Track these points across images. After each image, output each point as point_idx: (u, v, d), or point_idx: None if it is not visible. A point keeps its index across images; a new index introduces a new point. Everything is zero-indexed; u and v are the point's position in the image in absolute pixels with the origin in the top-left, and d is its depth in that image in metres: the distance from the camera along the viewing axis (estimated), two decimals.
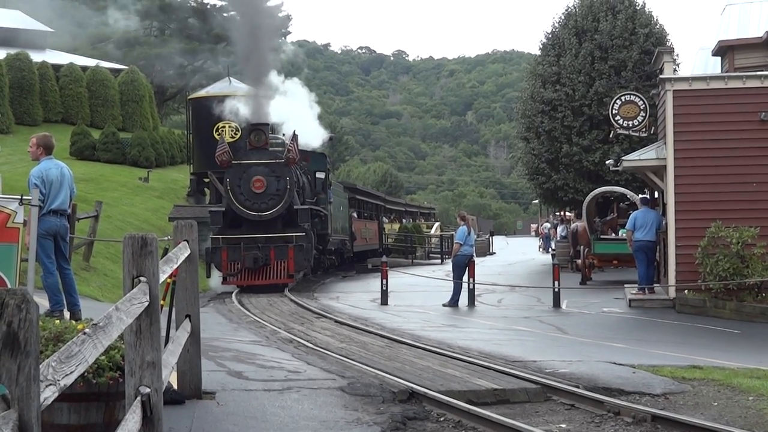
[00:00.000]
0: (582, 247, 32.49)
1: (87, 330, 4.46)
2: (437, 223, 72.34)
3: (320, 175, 35.90)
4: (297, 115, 36.75)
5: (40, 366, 3.49)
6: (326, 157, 38.55)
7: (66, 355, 3.97)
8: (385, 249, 50.07)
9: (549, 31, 42.37)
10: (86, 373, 6.78)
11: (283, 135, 33.21)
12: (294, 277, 29.81)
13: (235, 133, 38.37)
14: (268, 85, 32.23)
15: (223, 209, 30.31)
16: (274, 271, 29.14)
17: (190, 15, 76.67)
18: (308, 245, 30.38)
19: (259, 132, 30.17)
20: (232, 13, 33.92)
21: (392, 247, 53.42)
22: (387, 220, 52.03)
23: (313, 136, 37.91)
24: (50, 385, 3.63)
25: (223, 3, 74.70)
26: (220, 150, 29.63)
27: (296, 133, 31.19)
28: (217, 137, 36.16)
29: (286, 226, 29.81)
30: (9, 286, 6.60)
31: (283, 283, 28.85)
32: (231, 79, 41.64)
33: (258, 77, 31.34)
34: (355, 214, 45.07)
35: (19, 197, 6.95)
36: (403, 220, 63.76)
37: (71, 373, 3.94)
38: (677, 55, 39.95)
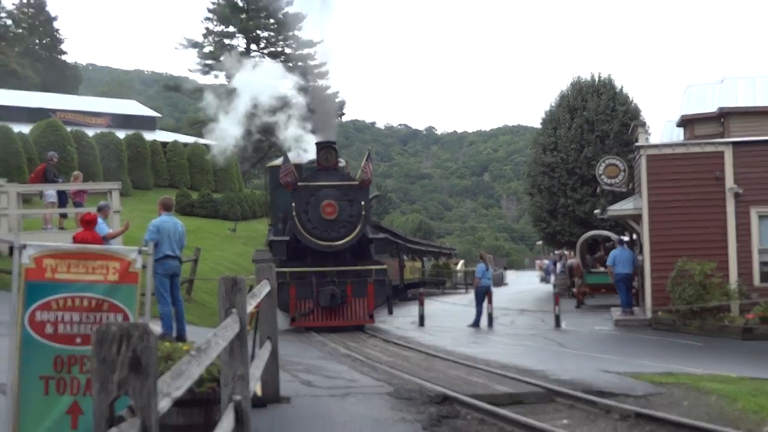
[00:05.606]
0: (576, 278, 32.36)
1: (192, 352, 4.52)
2: (462, 261, 71.93)
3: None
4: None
5: (158, 382, 3.54)
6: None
7: (177, 373, 4.02)
8: (406, 285, 42.91)
9: (547, 110, 42.32)
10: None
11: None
12: (373, 317, 22.01)
13: None
14: (333, 103, 23.31)
15: (287, 239, 22.56)
16: (353, 310, 21.53)
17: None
18: (388, 280, 22.79)
19: (329, 150, 22.40)
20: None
21: (427, 280, 52.74)
22: (407, 258, 48.38)
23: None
24: (165, 397, 3.67)
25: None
26: (285, 171, 21.98)
27: (370, 151, 24.39)
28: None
29: (355, 258, 22.36)
30: (131, 318, 6.70)
31: (361, 325, 21.77)
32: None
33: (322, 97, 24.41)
34: None
35: (138, 249, 7.06)
36: (424, 259, 60.25)
37: (181, 387, 3.98)
38: (649, 127, 39.48)
